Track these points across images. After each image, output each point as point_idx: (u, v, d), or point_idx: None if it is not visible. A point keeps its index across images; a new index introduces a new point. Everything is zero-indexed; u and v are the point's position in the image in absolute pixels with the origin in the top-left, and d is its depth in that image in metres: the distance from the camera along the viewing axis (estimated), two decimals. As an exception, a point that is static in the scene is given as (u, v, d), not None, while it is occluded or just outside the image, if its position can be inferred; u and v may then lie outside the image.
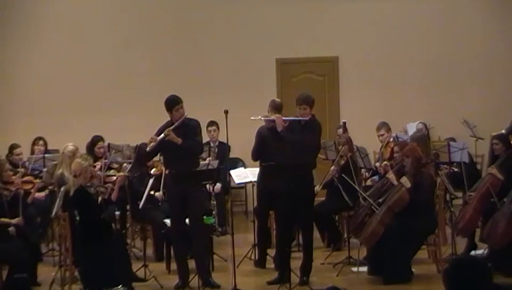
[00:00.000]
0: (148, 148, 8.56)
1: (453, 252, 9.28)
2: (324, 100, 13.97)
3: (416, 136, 10.24)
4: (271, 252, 9.53)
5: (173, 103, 8.58)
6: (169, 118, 8.67)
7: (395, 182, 8.81)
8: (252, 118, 9.03)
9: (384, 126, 11.25)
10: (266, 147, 9.18)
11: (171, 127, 8.45)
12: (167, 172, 9.01)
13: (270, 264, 9.41)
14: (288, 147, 8.54)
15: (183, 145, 8.43)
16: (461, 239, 9.61)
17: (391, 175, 8.91)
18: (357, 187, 9.32)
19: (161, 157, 10.51)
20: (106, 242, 8.33)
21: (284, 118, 8.67)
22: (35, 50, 13.99)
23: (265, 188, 9.37)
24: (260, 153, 9.41)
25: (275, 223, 9.58)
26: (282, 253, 8.67)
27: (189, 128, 8.57)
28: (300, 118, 8.58)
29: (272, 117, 8.74)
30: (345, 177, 9.52)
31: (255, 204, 9.94)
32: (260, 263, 9.56)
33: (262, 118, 9.01)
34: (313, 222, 9.11)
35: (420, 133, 10.75)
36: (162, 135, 8.43)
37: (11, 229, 8.74)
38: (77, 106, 13.81)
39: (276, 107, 9.45)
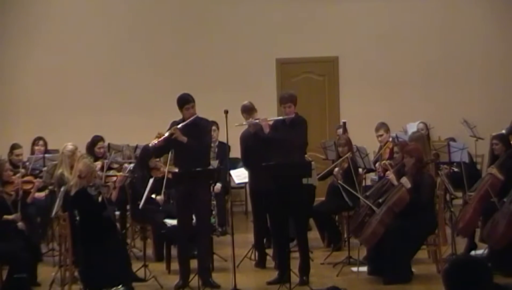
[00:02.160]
0: (151, 144, 8.56)
1: (453, 252, 9.28)
2: (324, 100, 13.98)
3: (414, 136, 10.24)
4: (271, 252, 9.53)
5: (183, 102, 8.59)
6: (171, 118, 8.69)
7: (395, 182, 8.81)
8: (236, 124, 9.02)
9: (383, 126, 11.25)
10: (250, 150, 9.19)
11: (178, 126, 8.46)
12: (169, 175, 9.03)
13: (270, 264, 9.41)
14: (273, 148, 8.55)
15: (188, 144, 8.43)
16: (461, 239, 9.61)
17: (391, 175, 8.91)
18: (358, 195, 9.29)
19: (161, 158, 10.53)
20: (106, 242, 8.33)
21: (269, 118, 8.70)
22: (35, 50, 13.99)
23: (256, 190, 9.37)
24: (244, 158, 9.42)
25: (270, 224, 9.58)
26: (282, 253, 8.67)
27: (199, 128, 8.57)
28: (285, 117, 8.60)
29: (257, 120, 8.75)
30: (345, 186, 9.54)
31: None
32: (260, 263, 9.56)
33: (245, 123, 9.03)
34: (308, 221, 9.13)
35: (418, 133, 10.75)
36: (168, 133, 8.44)
37: (20, 224, 8.76)
38: (77, 106, 13.82)
39: (249, 109, 9.52)
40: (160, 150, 8.80)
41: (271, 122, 8.66)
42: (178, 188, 8.69)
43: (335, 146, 10.62)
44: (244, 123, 9.11)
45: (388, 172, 9.11)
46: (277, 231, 8.86)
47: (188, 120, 8.50)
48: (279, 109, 12.94)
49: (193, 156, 8.46)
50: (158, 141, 8.50)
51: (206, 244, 8.75)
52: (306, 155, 9.26)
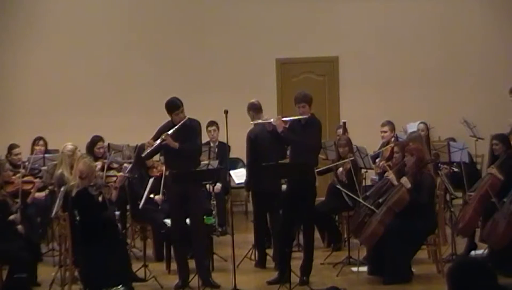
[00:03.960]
0: (143, 153, 8.57)
1: (453, 252, 9.29)
2: (324, 100, 13.97)
3: (411, 137, 10.24)
4: (271, 252, 9.53)
5: (172, 108, 8.55)
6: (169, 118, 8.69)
7: (395, 183, 8.81)
8: (251, 122, 9.02)
9: (389, 124, 11.31)
10: (258, 149, 9.17)
11: (169, 132, 8.42)
12: (167, 173, 9.01)
13: (270, 264, 9.41)
14: (288, 148, 8.55)
15: (180, 149, 8.43)
16: (461, 239, 9.61)
17: (391, 175, 8.91)
18: (359, 199, 9.27)
19: (161, 157, 10.52)
20: (106, 242, 8.33)
21: (284, 118, 8.68)
22: (35, 50, 13.99)
23: (261, 189, 9.35)
24: (254, 158, 9.39)
25: (271, 224, 9.57)
26: (282, 253, 8.67)
27: (189, 130, 8.55)
28: (300, 117, 8.59)
29: (272, 119, 8.74)
30: (344, 190, 9.55)
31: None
32: (260, 263, 9.55)
33: (262, 121, 9.01)
34: (314, 222, 9.12)
35: (415, 133, 10.75)
36: (159, 140, 8.42)
37: (19, 227, 8.76)
38: (77, 106, 13.81)
39: (256, 108, 9.48)
40: (151, 154, 8.81)
41: (286, 123, 8.60)
42: (173, 187, 8.68)
43: (335, 146, 10.62)
44: (259, 121, 9.07)
45: (388, 172, 9.11)
46: (282, 230, 8.84)
47: (178, 125, 8.47)
48: (280, 109, 13.07)
49: (183, 158, 8.46)
50: (151, 151, 8.51)
51: (203, 244, 8.74)
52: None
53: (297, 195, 8.48)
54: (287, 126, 8.56)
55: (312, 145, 8.59)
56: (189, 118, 8.59)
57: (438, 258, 9.02)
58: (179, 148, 8.42)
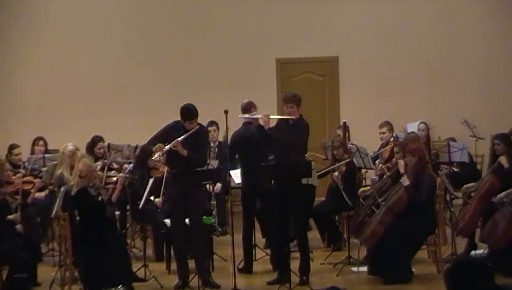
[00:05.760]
0: (152, 157, 8.52)
1: (453, 252, 9.28)
2: (324, 100, 13.98)
3: (409, 137, 10.23)
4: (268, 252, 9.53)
5: (188, 116, 8.49)
6: (171, 118, 8.68)
7: (402, 170, 8.72)
8: (239, 116, 9.00)
9: (387, 125, 11.29)
10: (245, 149, 9.15)
11: (180, 139, 8.38)
12: (167, 174, 9.01)
13: (269, 264, 9.39)
14: (273, 147, 8.53)
15: (188, 157, 8.41)
16: (461, 239, 9.60)
17: (401, 162, 8.82)
18: (374, 197, 9.27)
19: (161, 157, 10.51)
20: (106, 242, 8.33)
21: (272, 116, 8.67)
22: (35, 50, 13.99)
23: (252, 190, 9.30)
24: (232, 157, 9.36)
25: (261, 224, 9.54)
26: (281, 253, 8.66)
27: (198, 138, 8.52)
28: (288, 117, 8.56)
29: (259, 115, 8.73)
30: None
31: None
32: (247, 268, 9.37)
33: (249, 116, 9.03)
34: (307, 221, 9.13)
35: (413, 133, 10.75)
36: (170, 145, 8.39)
37: (18, 227, 8.76)
38: (77, 106, 13.81)
39: (242, 108, 9.43)
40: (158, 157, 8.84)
41: (270, 119, 8.60)
42: (174, 188, 8.68)
43: (334, 147, 10.62)
44: (246, 116, 9.06)
45: (386, 174, 9.10)
46: (277, 231, 8.84)
47: (188, 133, 8.44)
48: (279, 109, 13.06)
49: (187, 161, 8.45)
50: (158, 154, 8.48)
51: (202, 244, 8.73)
52: (306, 155, 9.22)
53: (286, 195, 8.43)
54: (274, 124, 8.57)
55: (297, 144, 8.52)
56: (200, 126, 8.58)
57: (438, 258, 9.03)
58: (186, 156, 8.40)
